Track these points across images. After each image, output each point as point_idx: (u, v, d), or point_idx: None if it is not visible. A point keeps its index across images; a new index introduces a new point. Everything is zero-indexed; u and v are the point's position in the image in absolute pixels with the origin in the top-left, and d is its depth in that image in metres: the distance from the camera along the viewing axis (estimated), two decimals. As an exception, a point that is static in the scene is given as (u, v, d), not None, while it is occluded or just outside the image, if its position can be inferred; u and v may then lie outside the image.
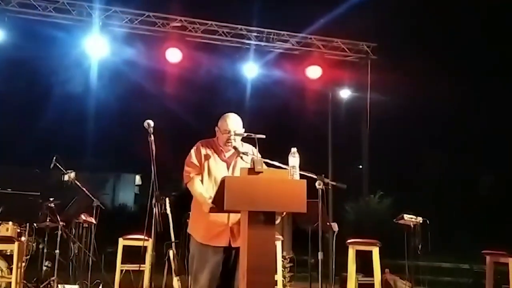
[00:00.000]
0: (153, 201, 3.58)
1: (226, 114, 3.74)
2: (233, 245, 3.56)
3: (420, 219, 5.87)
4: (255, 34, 8.44)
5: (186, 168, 3.69)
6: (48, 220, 6.05)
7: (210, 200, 3.36)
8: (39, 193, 6.24)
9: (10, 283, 5.23)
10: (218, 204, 3.11)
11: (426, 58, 14.78)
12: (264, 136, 3.53)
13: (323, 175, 3.85)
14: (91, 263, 6.37)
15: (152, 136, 3.60)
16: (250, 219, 3.06)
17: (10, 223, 5.86)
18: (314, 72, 8.58)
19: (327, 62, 8.65)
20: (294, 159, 3.32)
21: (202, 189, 3.60)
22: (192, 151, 3.72)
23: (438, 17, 14.68)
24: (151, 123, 3.59)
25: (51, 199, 6.12)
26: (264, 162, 3.26)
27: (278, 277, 5.91)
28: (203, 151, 3.70)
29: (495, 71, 14.53)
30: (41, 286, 5.88)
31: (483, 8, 13.35)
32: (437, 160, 16.39)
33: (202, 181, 3.65)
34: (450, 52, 15.07)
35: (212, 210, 3.33)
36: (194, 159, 3.68)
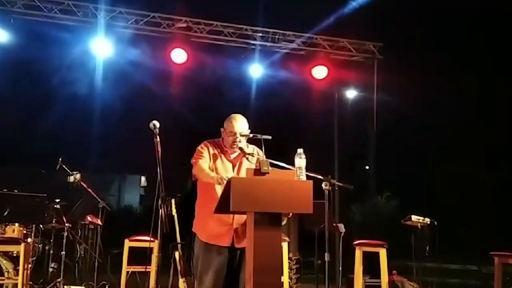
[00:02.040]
0: (159, 202, 3.56)
1: (232, 115, 3.72)
2: (236, 246, 3.55)
3: (427, 220, 5.83)
4: (261, 34, 8.42)
5: (195, 155, 3.64)
6: (54, 222, 6.07)
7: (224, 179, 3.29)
8: (45, 195, 6.25)
9: (16, 284, 5.24)
10: (224, 205, 3.09)
11: (433, 58, 14.70)
12: (270, 137, 3.51)
13: (330, 176, 3.82)
14: (97, 264, 6.39)
15: (157, 137, 3.58)
16: (256, 220, 3.04)
17: (17, 224, 5.90)
18: (320, 72, 8.55)
19: (333, 62, 8.61)
20: (300, 160, 3.30)
21: (208, 169, 3.54)
22: (200, 148, 3.69)
23: (445, 16, 14.59)
24: (157, 124, 3.57)
25: (57, 200, 6.13)
26: (270, 163, 3.24)
27: (285, 278, 5.89)
28: (211, 150, 3.69)
29: (503, 72, 14.43)
30: (47, 288, 5.89)
31: (492, 6, 13.26)
32: (445, 161, 16.30)
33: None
34: (457, 52, 14.98)
35: (215, 211, 3.30)
36: (204, 153, 3.65)
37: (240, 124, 3.66)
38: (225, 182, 3.20)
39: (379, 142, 8.81)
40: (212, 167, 3.63)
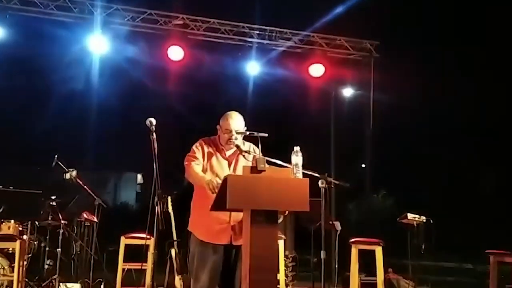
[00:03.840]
0: (155, 199, 3.54)
1: (228, 113, 3.71)
2: (234, 243, 3.54)
3: (423, 218, 5.84)
4: (257, 32, 8.41)
5: (188, 156, 3.64)
6: (50, 219, 6.03)
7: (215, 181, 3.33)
8: (41, 191, 6.22)
9: (12, 281, 5.22)
10: (220, 203, 3.08)
11: (430, 56, 14.73)
12: (266, 135, 3.50)
13: (326, 174, 3.82)
14: (93, 261, 6.36)
15: (154, 134, 3.56)
16: (253, 218, 3.03)
17: (12, 221, 5.85)
18: (316, 70, 8.55)
19: (330, 60, 8.61)
20: (297, 157, 3.29)
21: (202, 173, 3.56)
22: (194, 147, 3.68)
23: (442, 14, 14.62)
24: (153, 121, 3.55)
25: (53, 197, 6.10)
26: (267, 161, 3.23)
27: (281, 276, 5.89)
28: (206, 148, 3.67)
29: (500, 69, 14.46)
30: (43, 285, 5.87)
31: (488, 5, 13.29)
32: (441, 159, 16.34)
33: None
34: (454, 50, 15.00)
35: (212, 209, 3.30)
36: (197, 154, 3.64)
37: (235, 121, 3.65)
38: (217, 190, 3.21)
39: (376, 140, 8.83)
40: (206, 165, 3.62)
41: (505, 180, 14.84)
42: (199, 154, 3.64)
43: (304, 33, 8.58)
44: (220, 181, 3.26)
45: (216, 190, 3.23)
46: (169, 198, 5.96)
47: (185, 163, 3.63)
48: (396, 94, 11.03)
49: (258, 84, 8.99)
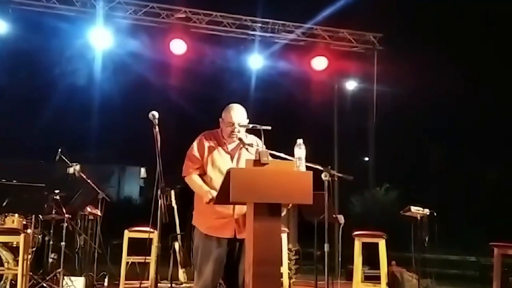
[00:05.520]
0: (159, 192, 3.54)
1: (230, 105, 3.69)
2: (238, 237, 3.53)
3: (427, 211, 5.81)
4: (260, 25, 8.38)
5: (186, 161, 3.66)
6: (53, 212, 6.05)
7: (210, 195, 3.39)
8: (44, 185, 6.23)
9: (16, 275, 5.23)
10: (223, 196, 3.08)
11: (433, 49, 14.66)
12: (269, 128, 3.49)
13: (329, 166, 3.81)
14: (96, 255, 6.40)
15: (157, 127, 3.55)
16: (256, 211, 3.03)
17: (16, 215, 5.87)
18: (319, 63, 8.51)
19: (333, 53, 8.57)
20: (300, 150, 3.28)
21: (201, 182, 3.59)
22: (195, 144, 3.68)
23: (445, 7, 14.53)
24: (156, 114, 3.53)
25: (57, 191, 6.11)
26: (270, 154, 3.23)
27: (284, 269, 5.89)
28: (206, 143, 3.66)
29: (503, 63, 14.38)
30: (47, 278, 5.89)
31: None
32: (444, 152, 16.32)
33: (205, 174, 3.62)
34: (457, 43, 14.93)
35: (215, 202, 3.30)
36: (196, 153, 3.64)
37: (238, 114, 3.63)
38: (212, 202, 3.32)
39: (379, 133, 8.80)
40: (208, 160, 3.61)
41: (508, 172, 14.81)
42: (199, 154, 3.64)
43: (307, 26, 8.53)
44: (215, 194, 3.31)
45: (212, 202, 3.32)
46: (172, 191, 5.98)
47: (183, 175, 3.67)
48: (399, 87, 10.99)
49: (260, 77, 8.96)
